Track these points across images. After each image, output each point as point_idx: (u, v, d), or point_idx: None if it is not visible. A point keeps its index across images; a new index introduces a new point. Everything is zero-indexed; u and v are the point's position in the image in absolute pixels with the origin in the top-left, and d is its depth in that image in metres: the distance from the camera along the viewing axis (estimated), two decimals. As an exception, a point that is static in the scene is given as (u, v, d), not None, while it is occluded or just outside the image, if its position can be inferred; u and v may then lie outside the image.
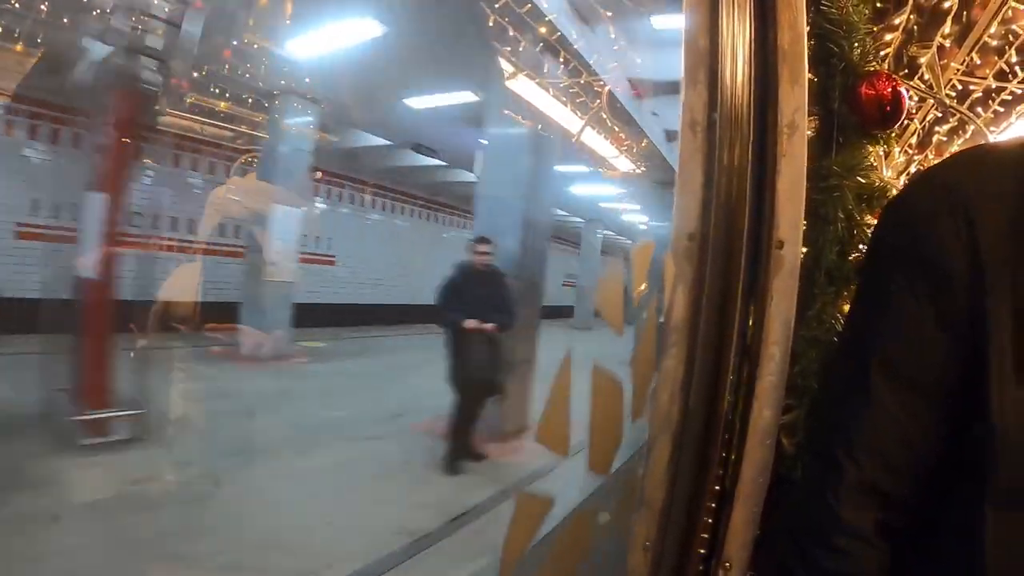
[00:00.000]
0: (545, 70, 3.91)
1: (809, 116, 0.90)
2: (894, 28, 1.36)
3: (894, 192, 1.06)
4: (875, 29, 1.24)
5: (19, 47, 5.52)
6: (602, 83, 4.14)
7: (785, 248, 0.82)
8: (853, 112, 0.98)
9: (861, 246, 0.94)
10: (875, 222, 0.98)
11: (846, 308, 0.89)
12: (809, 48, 0.92)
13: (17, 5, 4.61)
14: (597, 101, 4.40)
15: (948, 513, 0.65)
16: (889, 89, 1.01)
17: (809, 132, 0.91)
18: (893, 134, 1.10)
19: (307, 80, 6.83)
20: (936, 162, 0.91)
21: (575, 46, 3.60)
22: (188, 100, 6.63)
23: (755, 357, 0.82)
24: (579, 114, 4.74)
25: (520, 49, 3.73)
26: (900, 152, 1.27)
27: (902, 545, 0.67)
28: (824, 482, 0.70)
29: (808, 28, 0.93)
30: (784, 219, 0.83)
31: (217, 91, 6.94)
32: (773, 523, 0.85)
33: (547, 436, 0.98)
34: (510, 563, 0.95)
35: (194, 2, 4.11)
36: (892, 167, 1.21)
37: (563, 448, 0.98)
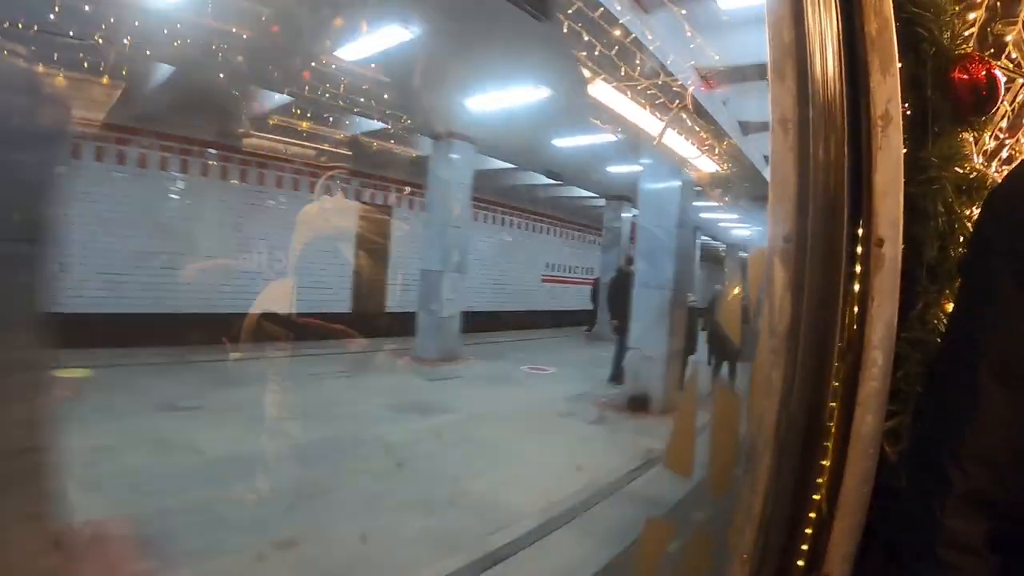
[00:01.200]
0: (623, 73, 3.90)
1: (902, 105, 0.86)
2: (976, 6, 1.28)
3: (991, 182, 1.00)
4: (958, 8, 1.18)
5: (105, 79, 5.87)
6: (681, 83, 4.11)
7: (885, 246, 0.79)
8: (947, 99, 0.93)
9: (962, 240, 0.89)
10: (974, 214, 0.93)
11: (950, 307, 0.85)
12: (897, 34, 0.88)
13: (100, 40, 4.87)
14: (676, 102, 4.35)
15: None
16: (984, 72, 0.95)
17: (903, 122, 0.86)
18: (985, 119, 1.04)
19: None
20: None
21: (651, 48, 3.56)
22: (271, 121, 6.95)
23: (857, 361, 0.78)
24: (659, 116, 4.75)
25: (596, 53, 3.72)
26: (991, 137, 1.20)
27: (1012, 556, 0.64)
28: (929, 492, 0.67)
29: (894, 13, 0.89)
30: (883, 216, 0.79)
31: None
32: (876, 535, 0.82)
33: (674, 460, 0.96)
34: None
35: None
36: (982, 153, 1.14)
37: (688, 471, 0.96)
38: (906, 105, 0.90)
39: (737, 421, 0.92)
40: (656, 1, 3.36)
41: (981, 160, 1.20)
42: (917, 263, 0.84)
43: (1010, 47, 1.35)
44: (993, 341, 0.66)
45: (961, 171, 0.93)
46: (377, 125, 7.95)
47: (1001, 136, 1.34)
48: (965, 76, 0.94)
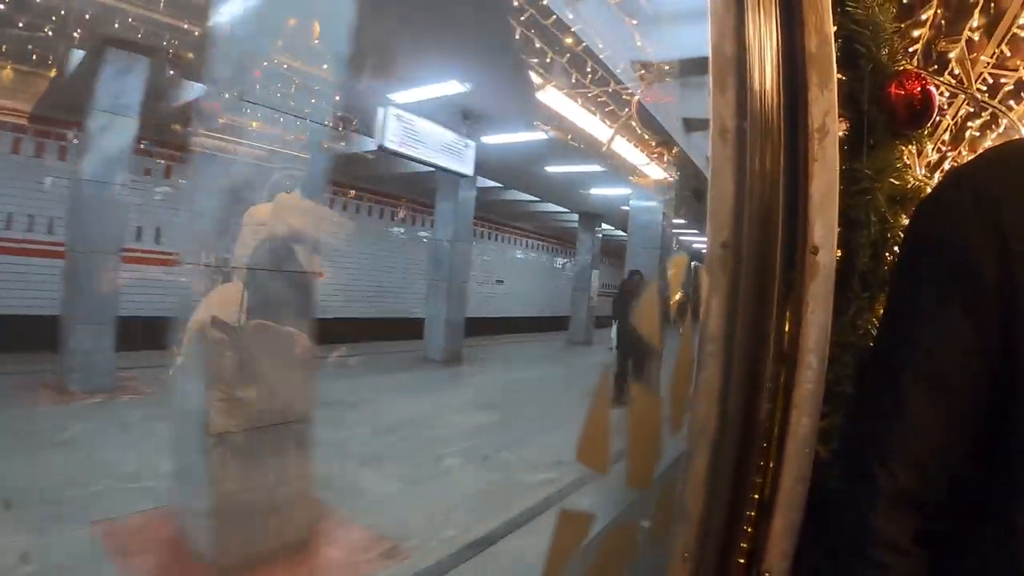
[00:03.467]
0: (573, 80, 3.95)
1: (839, 118, 0.89)
2: (921, 24, 1.33)
3: (927, 192, 1.04)
4: (902, 26, 1.22)
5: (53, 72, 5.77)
6: (630, 91, 4.16)
7: (820, 254, 0.81)
8: (883, 113, 0.97)
9: (895, 248, 0.92)
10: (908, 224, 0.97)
11: (880, 313, 0.88)
12: (836, 50, 0.91)
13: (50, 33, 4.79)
14: (626, 110, 4.42)
15: (984, 520, 0.64)
16: (919, 88, 0.99)
17: (840, 134, 0.90)
18: (925, 132, 1.08)
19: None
20: (964, 162, 0.89)
21: (601, 56, 3.61)
22: (220, 120, 6.86)
23: (792, 364, 0.81)
24: (608, 123, 4.84)
25: (548, 61, 3.77)
26: (933, 149, 1.25)
27: (939, 554, 0.66)
28: (858, 492, 0.69)
29: (835, 30, 0.92)
30: (818, 224, 0.82)
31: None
32: (812, 532, 0.84)
33: (586, 455, 0.98)
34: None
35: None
36: (925, 164, 1.19)
37: (603, 466, 0.98)
38: (843, 118, 0.94)
39: (657, 417, 0.94)
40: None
41: (924, 172, 1.25)
42: (850, 270, 0.88)
43: (953, 64, 1.41)
44: (917, 347, 0.68)
45: (897, 182, 0.96)
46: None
47: (944, 149, 1.39)
48: (901, 91, 0.98)
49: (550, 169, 10.52)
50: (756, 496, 0.84)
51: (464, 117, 8.07)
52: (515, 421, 6.15)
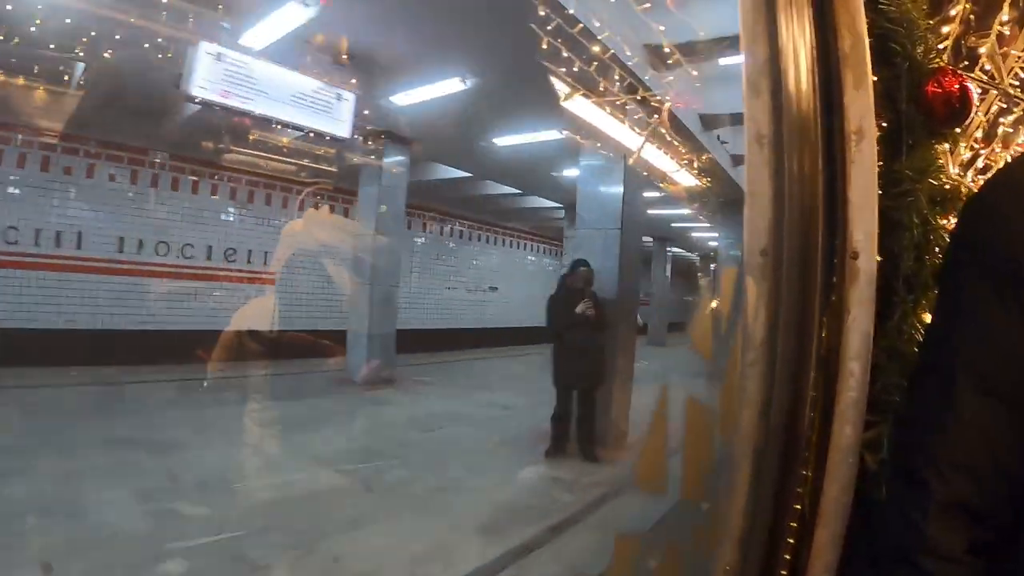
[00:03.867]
0: (601, 88, 3.90)
1: (876, 119, 0.87)
2: (950, 19, 1.31)
3: (966, 192, 1.01)
4: (931, 22, 1.20)
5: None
6: (659, 99, 4.10)
7: (860, 258, 0.80)
8: (921, 112, 0.95)
9: (937, 251, 0.90)
10: (950, 225, 0.94)
11: (927, 317, 0.86)
12: (870, 49, 0.89)
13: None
14: (655, 116, 4.34)
15: None
16: (956, 86, 0.97)
17: (876, 135, 0.88)
18: (959, 130, 1.06)
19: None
20: (1012, 160, 0.87)
21: (629, 64, 3.57)
22: (251, 137, 6.87)
23: (834, 372, 0.79)
24: (637, 131, 4.71)
25: (575, 69, 3.73)
26: (966, 147, 1.22)
27: (991, 563, 0.64)
28: (909, 501, 0.68)
29: (868, 28, 0.90)
30: (857, 228, 0.80)
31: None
32: (857, 544, 0.82)
33: (646, 478, 0.97)
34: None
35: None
36: (958, 163, 1.16)
37: (663, 489, 0.96)
38: (880, 119, 0.92)
39: (708, 433, 0.93)
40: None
41: (957, 171, 1.22)
42: (894, 274, 0.85)
43: (983, 59, 1.38)
44: (970, 351, 0.67)
45: (936, 183, 0.94)
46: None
47: (976, 146, 1.36)
48: (938, 89, 0.96)
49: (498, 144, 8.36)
50: (799, 508, 0.83)
51: (339, 61, 5.67)
52: (374, 489, 4.09)
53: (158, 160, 8.06)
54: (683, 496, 0.91)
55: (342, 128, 6.12)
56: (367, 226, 8.08)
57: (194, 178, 8.49)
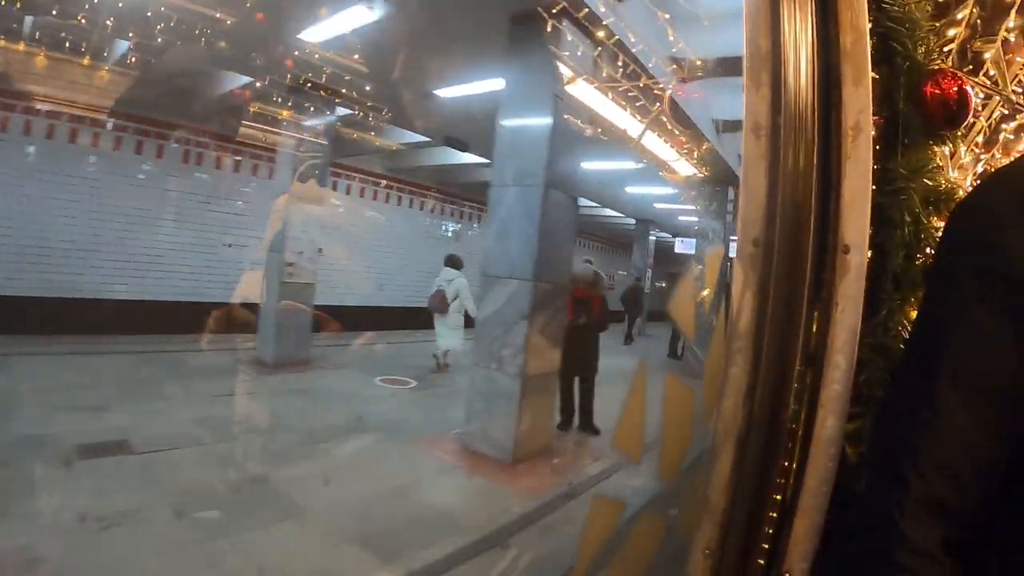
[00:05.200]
0: (604, 74, 3.85)
1: (873, 117, 0.88)
2: (957, 23, 1.31)
3: (961, 194, 1.02)
4: (937, 25, 1.20)
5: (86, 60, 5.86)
6: (662, 87, 4.06)
7: (851, 253, 0.81)
8: (918, 112, 0.95)
9: (928, 250, 0.91)
10: (942, 225, 0.95)
11: (913, 314, 0.87)
12: (872, 47, 0.90)
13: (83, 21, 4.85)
14: (657, 104, 4.27)
15: (1014, 529, 0.63)
16: (955, 88, 0.98)
17: (873, 133, 0.89)
18: (959, 133, 1.07)
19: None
20: (1006, 163, 0.88)
21: (634, 50, 3.55)
22: (252, 110, 6.87)
23: (820, 365, 0.80)
24: (639, 118, 4.65)
25: (578, 54, 3.70)
26: (966, 151, 1.23)
27: (967, 562, 0.65)
28: (887, 497, 0.68)
29: (870, 26, 0.91)
30: (850, 223, 0.81)
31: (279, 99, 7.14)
32: (834, 534, 0.84)
33: (623, 442, 0.98)
34: (584, 564, 0.96)
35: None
36: (958, 167, 1.17)
37: (637, 455, 0.98)
38: (878, 116, 0.92)
39: (688, 412, 0.94)
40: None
41: (956, 173, 1.23)
42: (882, 270, 0.86)
43: (988, 64, 1.38)
44: (954, 350, 0.67)
45: (930, 183, 0.95)
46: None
47: (977, 151, 1.37)
48: (937, 91, 0.96)
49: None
50: (779, 496, 0.84)
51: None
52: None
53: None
54: (659, 471, 0.92)
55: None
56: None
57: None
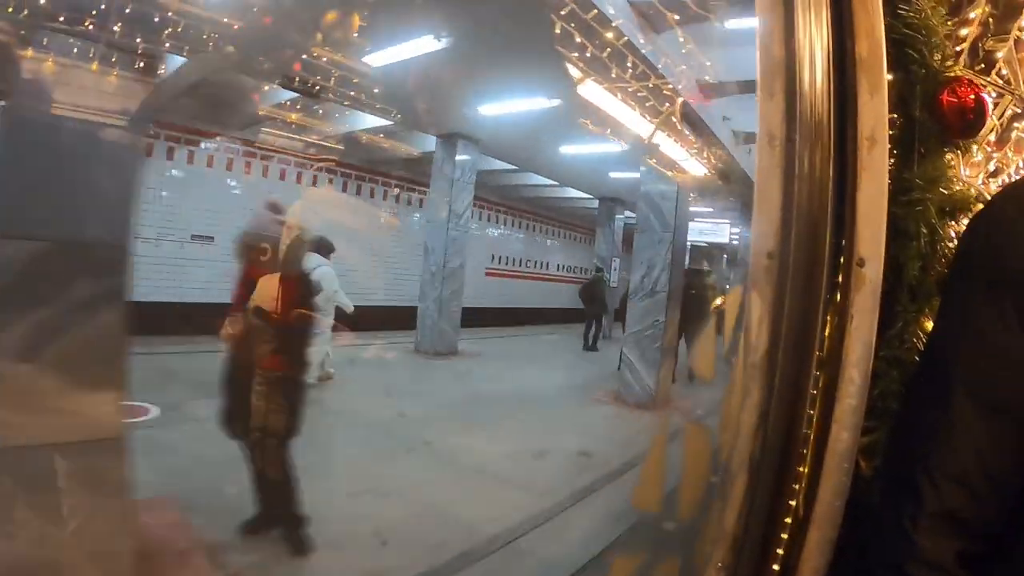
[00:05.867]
0: (613, 75, 3.84)
1: (889, 125, 0.87)
2: (969, 22, 1.29)
3: (976, 201, 1.01)
4: (950, 24, 1.18)
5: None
6: (671, 87, 4.05)
7: (866, 266, 0.79)
8: (935, 121, 0.94)
9: (944, 261, 0.90)
10: (957, 234, 0.94)
11: (929, 326, 0.86)
12: (887, 54, 0.88)
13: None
14: (667, 105, 4.28)
15: None
16: (972, 96, 0.96)
17: (889, 142, 0.87)
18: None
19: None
20: (1021, 176, 0.86)
21: (643, 51, 3.52)
22: (260, 112, 6.89)
23: (834, 378, 0.79)
24: (649, 118, 4.68)
25: (587, 55, 3.68)
26: (978, 150, 1.21)
27: (982, 575, 0.65)
28: (902, 509, 0.68)
29: (885, 33, 0.89)
30: (865, 235, 0.80)
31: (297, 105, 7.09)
32: (848, 548, 0.83)
33: (642, 499, 0.98)
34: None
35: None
36: (969, 165, 1.15)
37: (658, 507, 0.97)
38: (893, 125, 0.91)
39: (708, 455, 0.93)
40: (664, 22, 3.33)
41: (967, 172, 1.21)
42: (898, 282, 0.85)
43: (1000, 63, 1.36)
44: (969, 363, 0.67)
45: (946, 192, 0.94)
46: (374, 122, 7.75)
47: (989, 150, 1.35)
48: (953, 99, 0.95)
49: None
50: (793, 508, 0.83)
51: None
52: None
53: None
54: (680, 516, 0.91)
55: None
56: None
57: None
